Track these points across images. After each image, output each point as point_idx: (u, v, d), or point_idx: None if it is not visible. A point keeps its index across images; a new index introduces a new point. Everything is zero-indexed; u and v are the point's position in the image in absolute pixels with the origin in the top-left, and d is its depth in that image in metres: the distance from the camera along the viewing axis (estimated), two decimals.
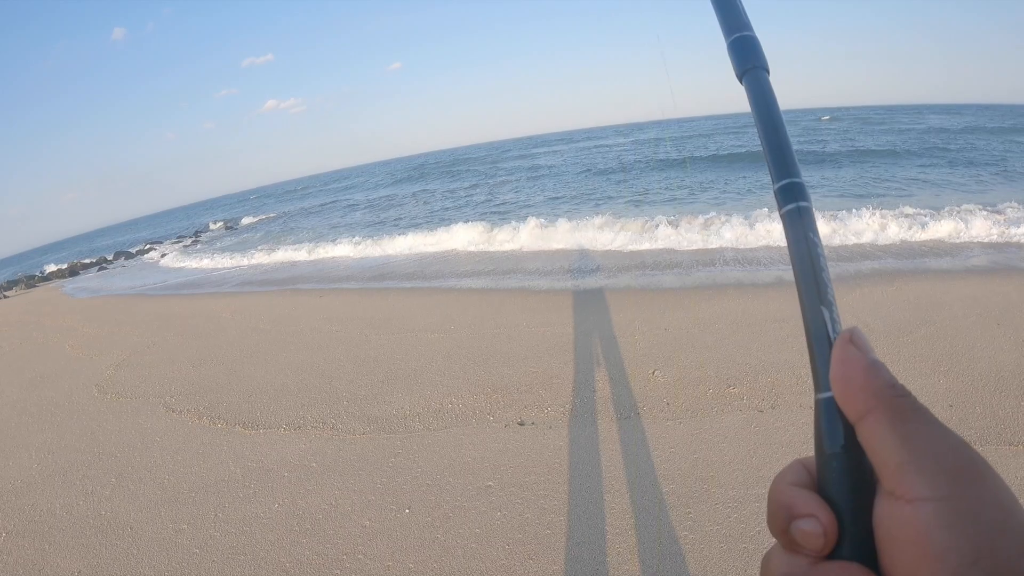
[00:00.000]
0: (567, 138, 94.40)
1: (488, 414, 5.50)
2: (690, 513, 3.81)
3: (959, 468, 0.39)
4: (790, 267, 0.51)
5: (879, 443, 0.42)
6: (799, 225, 0.51)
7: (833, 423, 0.45)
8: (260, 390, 6.93)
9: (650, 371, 5.88)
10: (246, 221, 47.12)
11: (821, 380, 0.47)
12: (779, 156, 0.54)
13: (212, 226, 48.35)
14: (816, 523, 0.44)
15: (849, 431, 0.45)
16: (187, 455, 5.57)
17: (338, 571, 3.74)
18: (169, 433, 6.14)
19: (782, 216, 0.53)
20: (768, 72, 0.60)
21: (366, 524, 4.15)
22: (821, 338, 0.47)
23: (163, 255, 30.60)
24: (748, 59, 0.60)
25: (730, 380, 5.49)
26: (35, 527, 4.81)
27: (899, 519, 0.40)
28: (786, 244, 0.52)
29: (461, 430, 5.28)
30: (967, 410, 4.58)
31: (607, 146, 55.80)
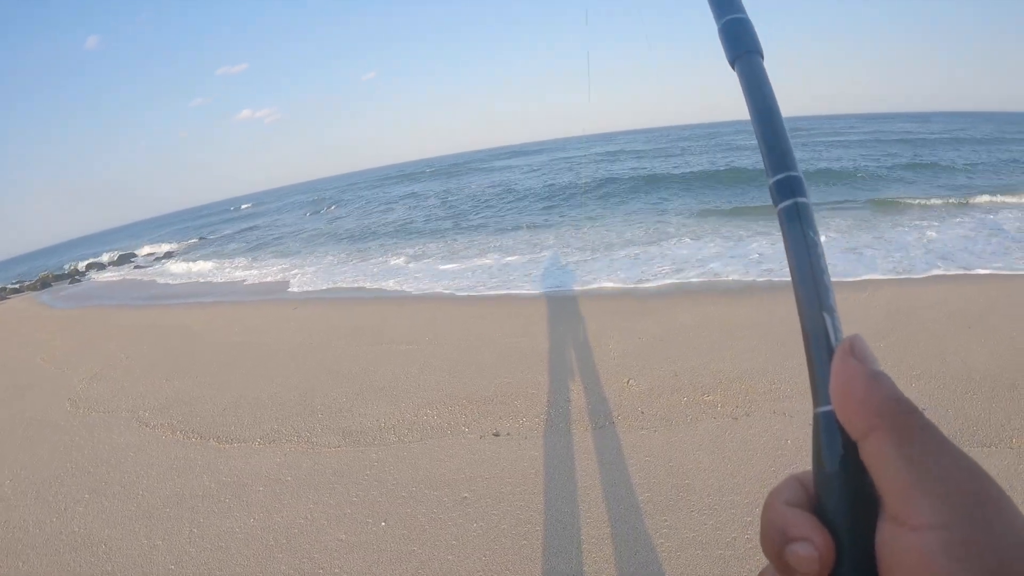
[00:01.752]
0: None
1: (463, 425, 5.49)
2: (666, 520, 3.83)
3: (968, 493, 0.36)
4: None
5: (883, 464, 0.39)
6: (797, 224, 0.48)
7: (833, 439, 0.43)
8: (234, 403, 6.88)
9: (624, 380, 5.90)
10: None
11: (821, 392, 0.44)
12: (775, 148, 0.51)
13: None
14: (811, 547, 0.41)
15: (850, 448, 0.42)
16: (161, 470, 5.51)
17: None
18: (143, 448, 6.07)
19: (778, 213, 0.49)
20: (763, 57, 0.56)
21: (342, 538, 4.13)
22: (821, 347, 0.44)
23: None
24: (741, 43, 0.57)
25: (704, 388, 5.52)
26: (8, 545, 4.73)
27: (903, 547, 0.37)
28: (783, 244, 0.49)
29: (436, 442, 5.27)
30: (939, 413, 4.65)
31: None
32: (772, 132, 0.52)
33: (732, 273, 10.12)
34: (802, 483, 0.46)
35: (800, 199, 0.49)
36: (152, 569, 4.13)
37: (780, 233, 0.49)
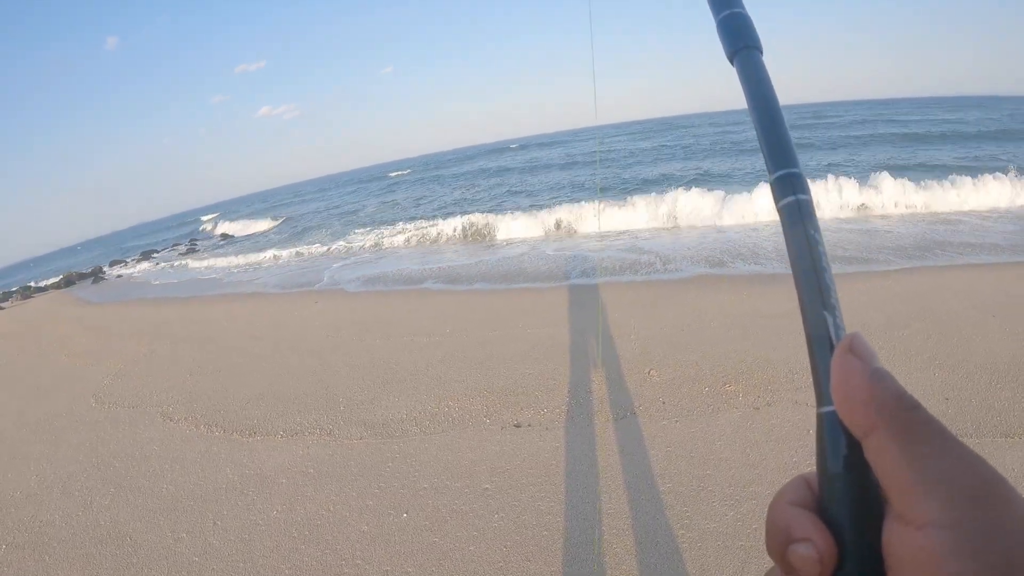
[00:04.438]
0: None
1: (485, 417, 5.50)
2: (687, 511, 3.82)
3: (974, 490, 0.36)
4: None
5: (886, 463, 0.39)
6: (798, 221, 0.48)
7: (836, 440, 0.43)
8: (257, 397, 6.93)
9: (646, 370, 5.88)
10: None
11: (823, 392, 0.44)
12: (775, 144, 0.51)
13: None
14: (812, 548, 0.41)
15: (854, 448, 0.42)
16: (185, 463, 5.57)
17: None
18: (167, 442, 6.14)
19: (779, 211, 0.49)
20: (761, 52, 0.56)
21: (364, 529, 4.16)
22: (823, 346, 0.44)
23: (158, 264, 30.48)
24: (740, 38, 0.57)
25: (726, 378, 5.50)
26: (34, 539, 4.80)
27: (908, 545, 0.37)
28: (784, 242, 0.48)
29: (458, 433, 5.29)
30: (963, 403, 4.59)
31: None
32: (772, 128, 0.52)
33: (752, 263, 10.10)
34: (808, 483, 0.46)
35: (801, 196, 0.49)
36: (177, 561, 4.17)
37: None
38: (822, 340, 0.44)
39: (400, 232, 20.11)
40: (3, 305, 25.02)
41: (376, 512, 4.34)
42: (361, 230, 23.80)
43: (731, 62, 0.57)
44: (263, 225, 40.84)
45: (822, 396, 0.44)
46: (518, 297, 10.13)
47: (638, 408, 5.19)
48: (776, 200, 0.49)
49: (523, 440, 5.01)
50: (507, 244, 16.05)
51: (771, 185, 0.50)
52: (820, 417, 0.44)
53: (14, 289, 30.22)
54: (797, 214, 0.48)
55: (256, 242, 30.91)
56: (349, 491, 4.66)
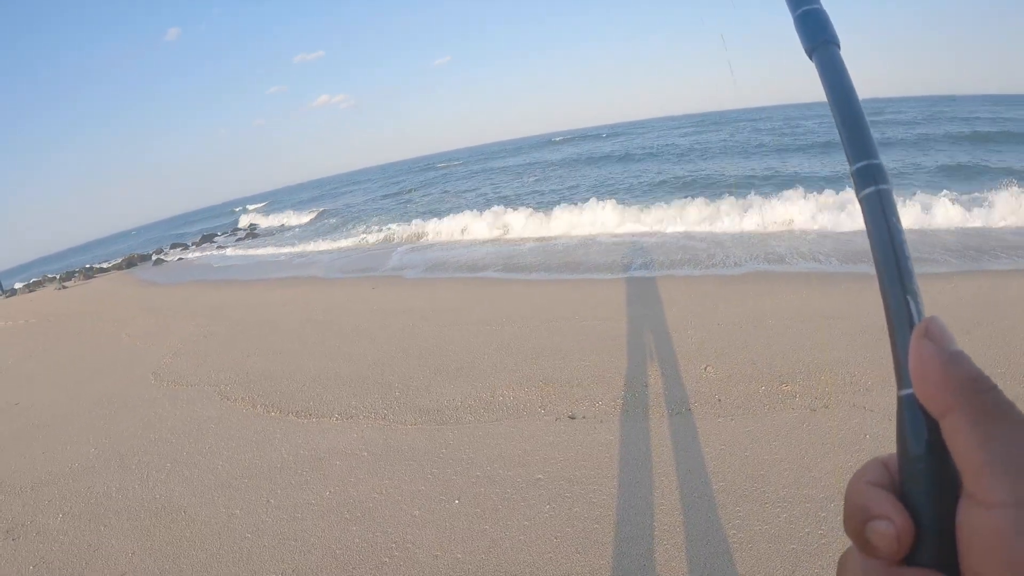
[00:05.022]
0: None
1: (539, 407, 5.50)
2: (739, 511, 3.77)
3: None
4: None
5: (960, 443, 0.39)
6: (879, 210, 0.48)
7: (916, 422, 0.43)
8: (313, 380, 7.03)
9: (702, 367, 5.82)
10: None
11: (903, 375, 0.44)
12: (856, 136, 0.51)
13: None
14: (890, 525, 0.41)
15: (933, 430, 0.42)
16: (240, 442, 5.68)
17: (387, 559, 3.77)
18: (223, 420, 6.27)
19: (860, 201, 0.49)
20: (839, 47, 0.56)
21: (415, 514, 4.19)
22: (904, 330, 0.45)
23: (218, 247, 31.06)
24: (818, 34, 0.57)
25: (783, 377, 5.41)
26: (92, 509, 4.94)
27: (978, 525, 0.37)
28: (865, 230, 0.49)
29: (512, 423, 5.30)
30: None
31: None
32: (853, 120, 0.52)
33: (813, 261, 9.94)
34: (886, 465, 0.46)
35: (882, 186, 0.49)
36: (229, 537, 4.25)
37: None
38: (903, 324, 0.45)
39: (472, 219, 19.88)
40: (67, 284, 25.72)
41: (428, 497, 4.37)
42: (418, 220, 23.80)
43: (810, 57, 0.57)
44: (305, 218, 40.20)
45: (902, 379, 0.44)
46: (573, 287, 10.13)
47: (693, 404, 5.14)
48: (857, 191, 0.50)
49: (577, 432, 5.00)
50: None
51: (852, 176, 0.51)
52: (900, 400, 0.44)
53: (76, 270, 31.01)
54: (878, 204, 0.48)
55: (315, 229, 31.05)
56: (402, 475, 4.70)
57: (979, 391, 0.39)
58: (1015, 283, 7.53)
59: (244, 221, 47.85)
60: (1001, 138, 25.51)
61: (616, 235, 15.03)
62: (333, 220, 32.86)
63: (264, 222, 44.77)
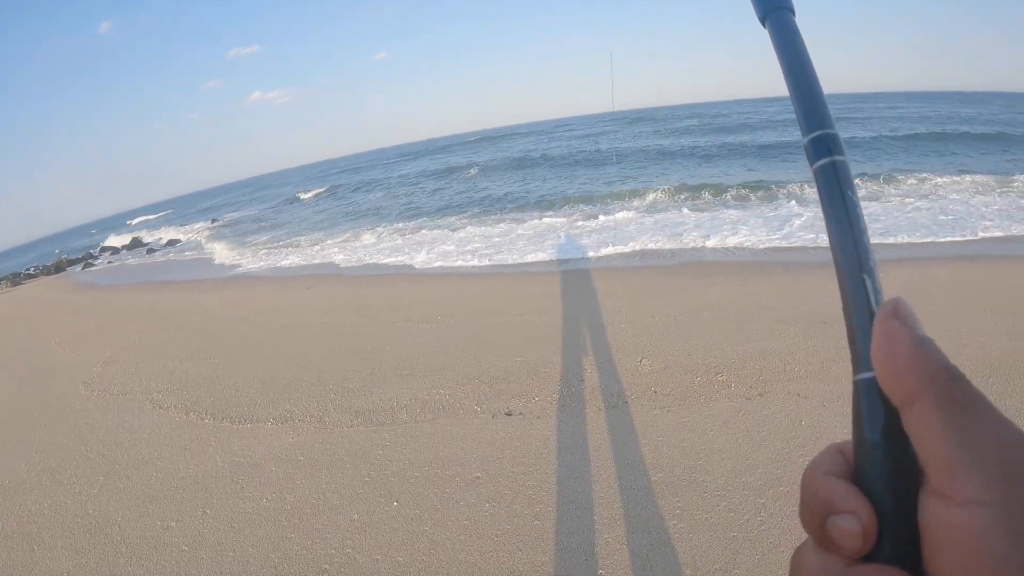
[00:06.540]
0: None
1: (476, 404, 5.49)
2: (679, 501, 3.81)
3: (1020, 467, 0.34)
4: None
5: (928, 434, 0.37)
6: (834, 182, 0.46)
7: (874, 408, 0.41)
8: (247, 384, 6.91)
9: (638, 359, 5.88)
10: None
11: (861, 358, 0.42)
12: (809, 105, 0.50)
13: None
14: (856, 521, 0.39)
15: (892, 417, 0.40)
16: (174, 451, 5.55)
17: (327, 566, 3.73)
18: (156, 430, 6.11)
19: (814, 172, 0.48)
20: (794, 13, 0.55)
21: (355, 518, 4.14)
22: (862, 310, 0.43)
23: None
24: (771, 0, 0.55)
25: (718, 368, 5.49)
26: (24, 528, 4.78)
27: (949, 522, 0.35)
28: (819, 204, 0.47)
29: (449, 421, 5.28)
30: None
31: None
32: (807, 88, 0.51)
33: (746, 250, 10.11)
34: (842, 452, 0.44)
35: (837, 157, 0.47)
36: (166, 550, 4.16)
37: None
38: (860, 304, 0.43)
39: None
40: None
41: (366, 500, 4.33)
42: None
43: (763, 24, 0.55)
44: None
45: (859, 361, 0.42)
46: (512, 282, 10.14)
47: (630, 397, 5.19)
48: (811, 162, 0.48)
49: (514, 428, 5.01)
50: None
51: (805, 147, 0.49)
52: (857, 384, 0.42)
53: (2, 277, 30.12)
54: (833, 176, 0.47)
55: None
56: (339, 479, 4.65)
57: (950, 380, 0.38)
58: (937, 270, 7.75)
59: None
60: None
61: None
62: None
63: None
